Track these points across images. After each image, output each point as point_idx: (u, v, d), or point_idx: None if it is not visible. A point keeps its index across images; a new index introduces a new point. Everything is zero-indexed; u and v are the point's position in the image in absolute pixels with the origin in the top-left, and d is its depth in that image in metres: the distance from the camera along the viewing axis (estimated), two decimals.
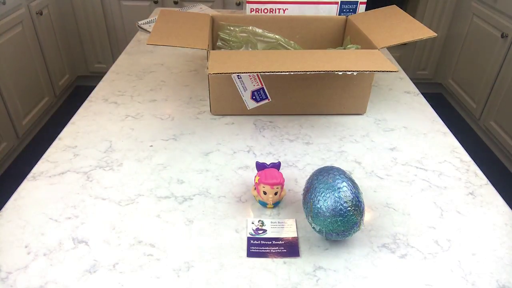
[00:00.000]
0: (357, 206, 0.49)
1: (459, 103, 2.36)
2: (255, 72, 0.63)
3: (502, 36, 1.90)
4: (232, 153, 0.71)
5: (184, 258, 0.51)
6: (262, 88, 0.77)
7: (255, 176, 0.58)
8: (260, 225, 0.56)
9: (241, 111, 0.80)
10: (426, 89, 2.55)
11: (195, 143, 0.73)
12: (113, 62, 1.04)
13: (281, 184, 0.56)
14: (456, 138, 0.77)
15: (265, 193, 0.56)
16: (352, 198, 0.48)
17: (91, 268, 0.49)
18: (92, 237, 0.53)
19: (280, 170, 0.58)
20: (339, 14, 0.99)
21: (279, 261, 0.51)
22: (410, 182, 0.65)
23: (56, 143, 0.72)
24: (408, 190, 0.64)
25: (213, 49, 0.91)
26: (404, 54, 2.44)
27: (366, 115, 0.84)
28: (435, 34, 0.76)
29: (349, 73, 0.63)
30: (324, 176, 0.51)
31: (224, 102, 0.79)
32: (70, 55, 2.28)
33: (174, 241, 0.53)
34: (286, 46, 0.94)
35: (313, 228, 0.51)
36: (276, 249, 0.52)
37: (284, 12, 0.99)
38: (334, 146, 0.74)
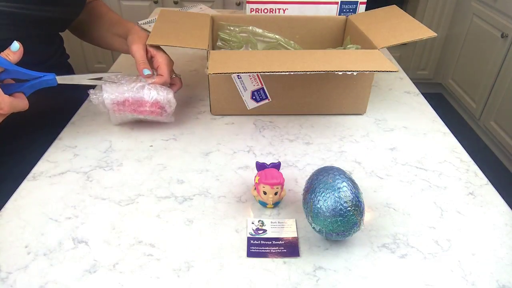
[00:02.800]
0: (357, 206, 0.49)
1: (459, 103, 2.36)
2: (255, 72, 0.63)
3: (502, 36, 1.91)
4: (232, 153, 0.71)
5: (184, 258, 0.51)
6: (262, 88, 0.77)
7: (255, 176, 0.58)
8: (260, 225, 0.56)
9: (241, 111, 0.80)
10: (426, 89, 2.55)
11: (195, 143, 0.73)
12: (113, 62, 1.04)
13: (281, 184, 0.56)
14: (456, 138, 0.77)
15: (265, 193, 0.56)
16: (352, 198, 0.48)
17: (91, 268, 0.49)
18: (92, 237, 0.53)
19: (280, 170, 0.58)
20: (339, 14, 0.99)
21: (279, 261, 0.51)
22: (410, 182, 0.65)
23: (56, 143, 0.72)
24: (408, 190, 0.64)
25: (213, 49, 0.91)
26: (404, 54, 2.44)
27: (366, 115, 0.84)
28: (435, 34, 0.76)
29: (349, 73, 0.63)
30: (324, 176, 0.51)
31: (224, 102, 0.79)
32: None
33: (174, 241, 0.53)
34: (286, 46, 0.94)
35: (313, 228, 0.51)
36: (276, 249, 0.52)
37: (284, 12, 0.99)
38: (334, 146, 0.74)
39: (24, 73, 0.61)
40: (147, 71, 0.69)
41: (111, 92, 0.68)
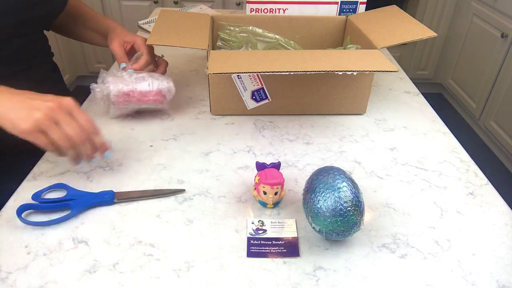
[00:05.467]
0: (357, 206, 0.49)
1: (459, 103, 2.36)
2: (255, 72, 0.63)
3: (502, 36, 1.91)
4: (232, 153, 0.71)
5: (184, 258, 0.51)
6: (262, 88, 0.77)
7: (255, 176, 0.58)
8: (260, 225, 0.56)
9: (241, 111, 0.80)
10: (426, 89, 2.55)
11: (195, 143, 0.73)
12: (113, 62, 1.04)
13: (281, 184, 0.56)
14: (456, 138, 0.77)
15: (265, 193, 0.56)
16: (352, 198, 0.48)
17: (91, 268, 0.49)
18: (92, 237, 0.53)
19: (280, 170, 0.58)
20: (339, 14, 0.99)
21: (279, 261, 0.51)
22: (410, 182, 0.65)
23: None
24: (408, 190, 0.64)
25: (213, 49, 0.91)
26: (404, 54, 2.44)
27: (366, 115, 0.84)
28: (435, 34, 0.76)
29: (349, 73, 0.63)
30: (324, 176, 0.51)
31: (224, 102, 0.79)
32: (70, 55, 2.28)
33: (174, 241, 0.53)
34: (286, 46, 0.94)
35: (313, 228, 0.51)
36: (276, 249, 0.52)
37: (284, 12, 0.99)
38: (334, 146, 0.74)
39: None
40: (123, 65, 0.75)
41: (116, 84, 0.71)
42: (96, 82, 0.74)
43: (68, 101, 0.54)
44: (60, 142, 0.53)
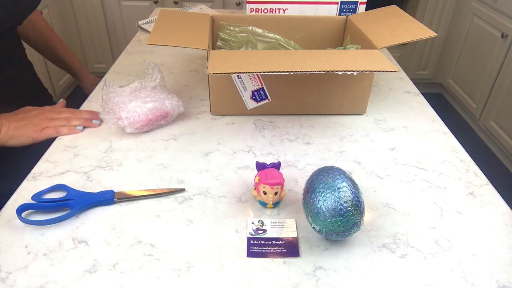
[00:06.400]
0: (357, 206, 0.49)
1: (459, 103, 2.36)
2: (255, 72, 0.63)
3: (502, 36, 1.91)
4: (232, 153, 0.71)
5: (184, 258, 0.51)
6: (262, 88, 0.77)
7: (255, 176, 0.58)
8: (260, 225, 0.56)
9: (241, 111, 0.80)
10: (426, 89, 2.55)
11: (195, 143, 0.73)
12: (113, 62, 1.05)
13: (281, 184, 0.56)
14: (456, 138, 0.77)
15: (265, 193, 0.56)
16: (352, 198, 0.48)
17: (91, 268, 0.49)
18: (92, 237, 0.53)
19: (280, 170, 0.58)
20: (339, 14, 0.99)
21: (279, 261, 0.51)
22: (410, 182, 0.65)
23: (56, 143, 0.72)
24: (408, 190, 0.64)
25: (213, 49, 0.91)
26: (404, 54, 2.44)
27: (366, 115, 0.84)
28: (435, 34, 0.76)
29: (349, 73, 0.63)
30: (324, 176, 0.51)
31: (224, 102, 0.79)
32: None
33: (174, 241, 0.53)
34: (286, 46, 0.94)
35: (313, 228, 0.51)
36: (276, 249, 0.52)
37: (284, 12, 0.99)
38: (334, 146, 0.74)
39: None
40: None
41: (130, 118, 0.71)
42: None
43: (47, 107, 0.75)
44: (63, 123, 0.73)
